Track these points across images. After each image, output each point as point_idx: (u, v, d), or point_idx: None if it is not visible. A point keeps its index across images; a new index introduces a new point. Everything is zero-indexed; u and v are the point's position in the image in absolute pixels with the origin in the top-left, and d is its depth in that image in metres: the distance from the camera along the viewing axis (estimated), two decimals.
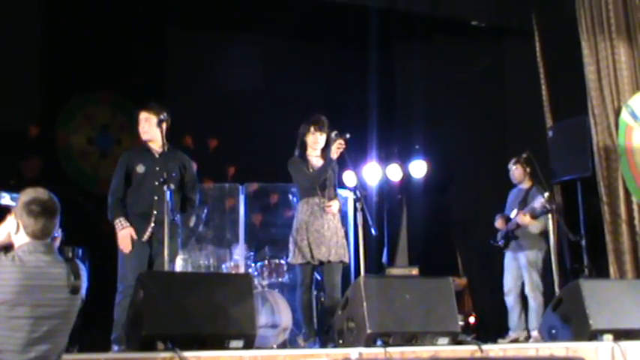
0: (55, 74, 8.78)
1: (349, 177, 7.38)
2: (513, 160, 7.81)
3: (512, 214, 7.68)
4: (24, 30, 8.55)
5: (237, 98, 9.23)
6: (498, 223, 7.80)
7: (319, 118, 6.34)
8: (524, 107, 8.98)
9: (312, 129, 6.32)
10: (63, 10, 8.75)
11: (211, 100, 9.23)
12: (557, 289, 6.70)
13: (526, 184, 7.78)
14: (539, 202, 7.15)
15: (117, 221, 5.74)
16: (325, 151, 6.32)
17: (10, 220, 3.51)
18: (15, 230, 3.48)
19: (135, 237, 5.70)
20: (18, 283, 3.30)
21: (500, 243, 7.75)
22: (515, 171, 7.79)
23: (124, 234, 5.70)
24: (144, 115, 5.91)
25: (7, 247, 3.51)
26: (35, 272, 3.37)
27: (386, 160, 9.95)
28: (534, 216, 7.39)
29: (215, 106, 9.23)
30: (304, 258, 6.13)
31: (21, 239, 3.46)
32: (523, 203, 7.61)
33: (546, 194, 7.10)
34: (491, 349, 5.42)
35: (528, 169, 7.74)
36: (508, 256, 7.73)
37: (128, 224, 5.72)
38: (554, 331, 5.94)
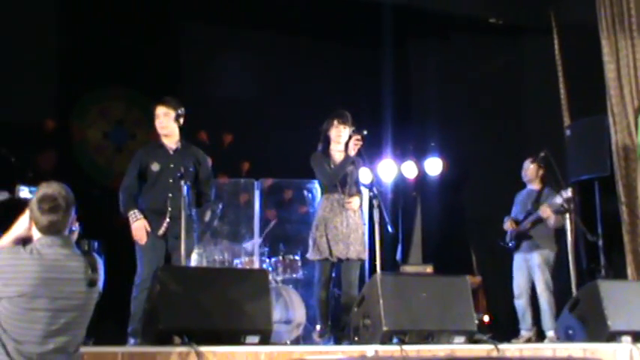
0: (70, 68, 8.79)
1: (365, 174, 7.35)
2: (530, 159, 7.75)
3: (522, 215, 7.64)
4: (40, 25, 8.58)
5: (252, 94, 9.22)
6: (508, 224, 7.75)
7: (343, 112, 6.34)
8: (542, 105, 8.92)
9: (335, 122, 6.31)
10: (79, 5, 8.77)
11: (226, 95, 9.22)
12: (574, 290, 6.64)
13: (536, 186, 7.71)
14: (560, 198, 7.06)
15: (130, 213, 5.75)
16: (347, 146, 6.30)
17: (28, 213, 3.52)
18: (30, 224, 3.48)
19: (149, 229, 5.70)
20: (36, 276, 3.31)
21: (511, 244, 7.70)
22: (528, 170, 7.73)
23: (138, 225, 5.71)
24: (163, 110, 5.89)
25: (26, 240, 3.51)
26: (53, 265, 3.38)
27: (401, 157, 9.93)
28: (555, 212, 7.33)
29: (230, 101, 9.22)
30: (322, 254, 6.11)
31: (38, 233, 3.47)
32: (536, 204, 7.56)
33: (569, 190, 7.02)
34: (508, 348, 5.38)
35: (541, 171, 7.69)
36: (519, 258, 7.65)
37: (142, 216, 5.72)
38: (571, 332, 5.91)
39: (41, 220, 3.41)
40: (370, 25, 8.91)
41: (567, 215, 7.01)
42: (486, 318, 8.86)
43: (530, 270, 7.53)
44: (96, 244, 6.94)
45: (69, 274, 3.40)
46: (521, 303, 7.59)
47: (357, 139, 6.15)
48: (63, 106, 8.97)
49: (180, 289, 4.75)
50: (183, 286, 4.79)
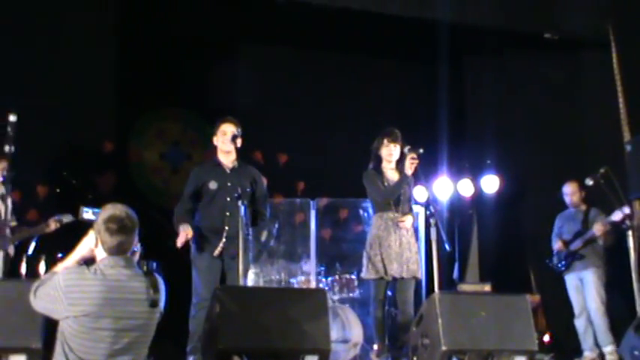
0: (127, 92, 8.96)
1: (420, 192, 7.32)
2: (572, 182, 7.68)
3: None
4: (98, 51, 8.77)
5: (308, 113, 9.26)
6: (558, 245, 7.65)
7: (392, 130, 6.32)
8: (601, 120, 8.78)
9: (385, 141, 6.29)
10: (135, 30, 8.94)
11: (281, 115, 9.28)
12: (639, 310, 6.48)
13: (581, 207, 7.68)
14: (618, 215, 6.95)
15: (181, 227, 5.76)
16: (400, 164, 6.27)
17: (92, 234, 3.57)
18: (95, 245, 3.53)
19: (190, 235, 5.70)
20: (101, 296, 3.36)
21: (560, 265, 7.58)
22: (573, 195, 7.67)
23: (182, 229, 5.70)
24: (230, 128, 5.93)
25: (88, 261, 3.56)
26: (116, 285, 3.42)
27: (457, 175, 9.85)
28: (609, 230, 7.23)
29: (285, 121, 9.27)
30: (377, 273, 6.08)
31: (102, 253, 3.52)
32: (586, 224, 7.48)
33: (627, 207, 6.90)
34: None
35: (584, 193, 7.63)
36: (572, 278, 7.57)
37: (189, 228, 5.71)
38: (636, 353, 5.76)
39: (109, 241, 3.46)
40: (426, 42, 8.90)
41: (630, 232, 6.86)
42: (546, 337, 8.70)
43: (584, 288, 7.42)
44: (154, 264, 7.01)
45: (131, 295, 3.44)
46: (581, 323, 7.49)
47: (413, 158, 6.11)
48: (121, 128, 9.14)
49: (239, 308, 4.76)
50: (242, 306, 4.79)
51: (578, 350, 7.52)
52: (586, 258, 7.46)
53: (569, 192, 7.74)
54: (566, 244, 7.60)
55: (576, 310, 7.53)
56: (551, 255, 7.77)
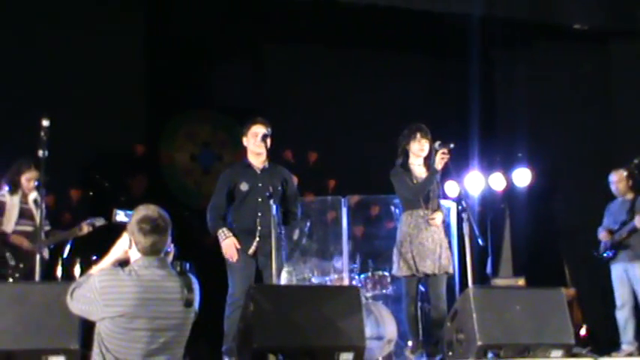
0: (157, 95, 9.03)
1: (452, 187, 7.28)
2: (619, 170, 7.57)
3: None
4: (128, 56, 8.86)
5: (337, 111, 9.26)
6: (603, 235, 7.56)
7: (422, 125, 6.24)
8: (633, 111, 8.69)
9: (418, 135, 6.19)
10: (164, 32, 9.01)
11: (310, 113, 9.30)
12: None
13: (629, 195, 7.54)
14: None
15: (219, 232, 5.80)
16: (428, 160, 6.23)
17: (125, 236, 3.60)
18: (129, 246, 3.56)
19: (238, 246, 5.75)
20: (135, 297, 3.38)
21: (606, 254, 7.50)
22: (619, 183, 7.55)
23: (228, 243, 5.75)
24: (262, 129, 5.94)
25: (123, 263, 3.59)
26: (151, 286, 3.45)
27: (488, 169, 9.79)
28: None
29: (314, 119, 9.28)
30: (409, 270, 6.05)
31: (135, 254, 3.54)
32: (631, 213, 7.37)
33: None
34: None
35: (631, 181, 7.52)
36: (618, 269, 7.47)
37: (231, 234, 5.77)
38: None
39: (142, 242, 3.48)
40: (456, 36, 8.86)
41: None
42: (583, 331, 8.63)
43: (631, 281, 7.34)
44: (187, 265, 7.04)
45: (166, 295, 3.46)
46: (623, 315, 7.40)
47: (444, 153, 6.04)
48: (151, 131, 9.21)
49: (274, 307, 4.78)
50: (277, 305, 4.81)
51: (616, 344, 7.43)
52: (632, 249, 7.35)
53: (615, 180, 7.63)
54: (611, 233, 7.51)
55: (618, 301, 7.44)
56: (597, 245, 7.68)
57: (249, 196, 5.88)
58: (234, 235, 5.80)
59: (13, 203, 6.47)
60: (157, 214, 3.53)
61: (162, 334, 3.42)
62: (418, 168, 6.25)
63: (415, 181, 6.17)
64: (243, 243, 5.79)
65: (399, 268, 6.14)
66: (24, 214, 6.50)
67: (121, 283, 3.39)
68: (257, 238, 5.78)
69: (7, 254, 6.35)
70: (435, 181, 6.16)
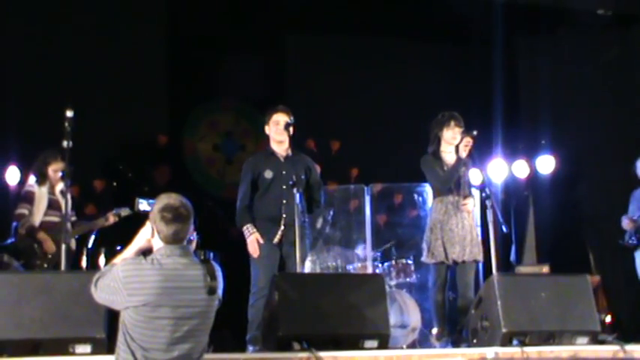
0: (179, 85, 9.07)
1: (475, 175, 7.23)
2: None
3: None
4: (150, 46, 8.90)
5: (359, 100, 9.24)
6: (626, 223, 7.51)
7: (455, 114, 6.21)
8: None
9: (452, 123, 6.15)
10: (185, 22, 9.03)
11: (332, 102, 9.29)
12: None
13: None
14: None
15: (245, 228, 5.83)
16: (456, 147, 6.21)
17: (148, 225, 3.61)
18: (151, 235, 3.57)
19: (262, 242, 5.77)
20: (158, 285, 3.39)
21: (631, 241, 7.45)
22: None
23: (252, 240, 5.78)
24: (283, 117, 5.94)
25: (146, 252, 3.60)
26: (173, 274, 3.45)
27: (512, 157, 9.73)
28: None
29: (336, 108, 9.27)
30: (438, 257, 6.03)
31: (158, 243, 3.55)
32: None
33: None
34: (635, 350, 5.17)
35: None
36: None
37: (255, 230, 5.80)
38: None
39: (165, 230, 3.48)
40: (479, 23, 8.81)
41: None
42: (608, 318, 8.57)
43: None
44: (211, 254, 7.08)
45: (189, 283, 3.47)
46: None
47: (468, 140, 6.04)
48: (174, 121, 9.25)
49: (299, 295, 4.79)
50: (301, 293, 4.83)
51: None
52: None
53: (638, 165, 7.57)
54: (634, 221, 7.46)
55: None
56: (622, 234, 7.63)
57: (273, 184, 5.89)
58: (259, 227, 5.81)
59: (41, 194, 6.54)
60: (179, 202, 3.53)
61: (185, 322, 3.43)
62: (449, 155, 6.23)
63: (445, 169, 6.16)
64: (268, 231, 5.81)
65: (427, 255, 6.13)
66: (52, 205, 6.57)
67: (143, 272, 3.40)
68: (282, 227, 5.80)
69: (35, 245, 6.43)
70: (461, 168, 6.13)
